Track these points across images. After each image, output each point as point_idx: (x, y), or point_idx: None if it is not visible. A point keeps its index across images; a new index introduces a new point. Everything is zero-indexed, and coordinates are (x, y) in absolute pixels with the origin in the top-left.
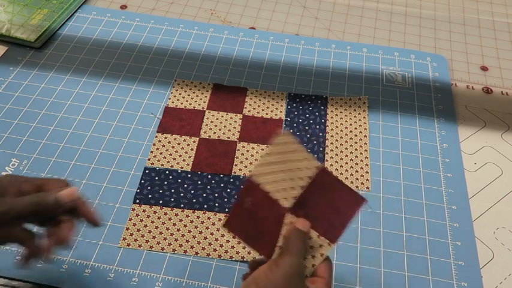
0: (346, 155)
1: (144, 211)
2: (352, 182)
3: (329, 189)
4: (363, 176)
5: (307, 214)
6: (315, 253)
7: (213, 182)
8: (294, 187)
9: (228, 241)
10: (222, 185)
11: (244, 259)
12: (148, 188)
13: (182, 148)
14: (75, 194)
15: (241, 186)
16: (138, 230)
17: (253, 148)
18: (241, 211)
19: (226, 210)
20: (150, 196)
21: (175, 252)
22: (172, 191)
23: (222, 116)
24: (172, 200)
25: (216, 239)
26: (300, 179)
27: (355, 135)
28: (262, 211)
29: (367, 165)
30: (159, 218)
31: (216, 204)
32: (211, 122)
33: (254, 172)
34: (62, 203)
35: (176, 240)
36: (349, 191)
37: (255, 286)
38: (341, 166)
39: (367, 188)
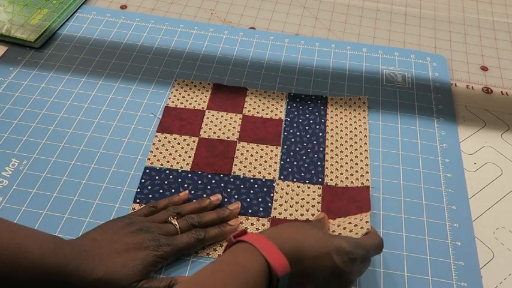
0: (346, 155)
1: None
2: (352, 182)
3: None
4: (363, 176)
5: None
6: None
7: (213, 181)
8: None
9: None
10: (222, 184)
11: None
12: (149, 187)
13: (182, 148)
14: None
15: None
16: None
17: (252, 148)
18: None
19: None
20: (150, 196)
21: None
22: (173, 190)
23: (222, 116)
24: None
25: None
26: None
27: (355, 135)
28: None
29: (367, 165)
30: None
31: None
32: (211, 121)
33: None
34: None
35: None
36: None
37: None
38: (341, 166)
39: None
